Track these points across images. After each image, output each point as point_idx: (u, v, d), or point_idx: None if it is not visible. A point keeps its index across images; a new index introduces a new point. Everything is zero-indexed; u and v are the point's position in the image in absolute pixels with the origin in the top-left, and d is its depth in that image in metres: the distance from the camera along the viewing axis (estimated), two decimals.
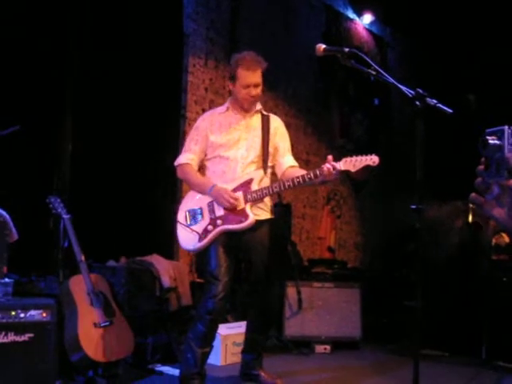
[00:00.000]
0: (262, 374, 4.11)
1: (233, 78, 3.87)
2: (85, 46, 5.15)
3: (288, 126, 4.20)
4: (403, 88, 2.83)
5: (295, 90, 7.58)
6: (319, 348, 5.41)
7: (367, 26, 8.78)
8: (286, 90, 7.37)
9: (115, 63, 5.36)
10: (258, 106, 3.99)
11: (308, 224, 7.83)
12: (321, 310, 5.53)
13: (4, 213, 3.86)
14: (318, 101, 7.98)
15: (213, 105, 6.40)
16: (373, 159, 3.61)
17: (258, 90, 3.87)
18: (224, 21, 6.60)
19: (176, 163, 4.00)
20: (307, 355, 5.27)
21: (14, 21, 4.66)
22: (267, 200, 3.96)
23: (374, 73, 2.98)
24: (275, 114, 4.31)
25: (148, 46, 5.62)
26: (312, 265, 6.42)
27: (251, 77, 3.81)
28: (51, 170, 5.01)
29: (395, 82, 2.89)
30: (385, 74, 2.96)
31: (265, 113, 4.03)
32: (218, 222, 3.77)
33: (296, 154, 4.16)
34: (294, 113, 7.56)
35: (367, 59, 2.99)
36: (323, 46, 3.18)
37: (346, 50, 3.07)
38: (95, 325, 3.89)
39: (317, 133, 7.96)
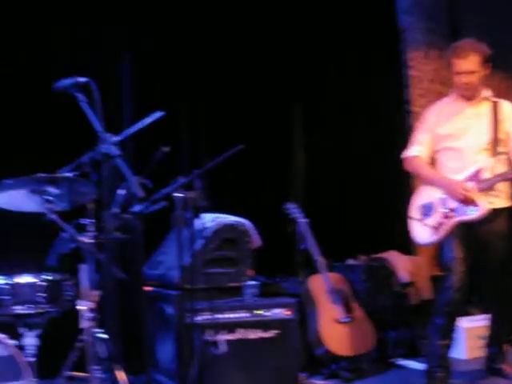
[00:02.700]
0: (506, 367, 3.99)
1: (449, 66, 3.88)
2: (307, 59, 5.46)
3: None
4: None
5: None
6: None
7: None
8: None
9: (335, 69, 5.59)
10: (486, 93, 3.90)
11: None
12: None
13: (246, 222, 4.22)
14: None
15: (441, 96, 6.27)
16: None
17: (472, 78, 3.78)
18: (443, 9, 6.46)
19: (403, 156, 4.08)
20: None
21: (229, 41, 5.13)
22: (503, 187, 3.84)
23: None
24: (508, 95, 4.18)
25: (365, 46, 5.75)
26: None
27: (461, 64, 3.77)
28: (287, 179, 5.36)
29: None
30: None
31: (494, 99, 3.92)
32: (452, 214, 3.77)
33: None
34: None
35: None
36: None
37: None
38: (336, 321, 4.12)
39: None
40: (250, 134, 4.84)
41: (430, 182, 3.94)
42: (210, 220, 4.06)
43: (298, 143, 5.43)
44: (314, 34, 5.51)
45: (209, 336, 3.53)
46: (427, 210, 3.89)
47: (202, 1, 5.05)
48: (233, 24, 5.14)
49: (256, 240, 4.25)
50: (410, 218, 3.99)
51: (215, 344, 3.52)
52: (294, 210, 4.61)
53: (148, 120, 3.20)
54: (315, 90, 5.47)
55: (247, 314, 3.70)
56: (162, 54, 4.83)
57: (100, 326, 2.99)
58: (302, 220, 4.56)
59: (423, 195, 3.97)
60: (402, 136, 5.98)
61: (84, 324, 2.96)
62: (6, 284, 3.00)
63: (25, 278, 3.04)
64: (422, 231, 3.92)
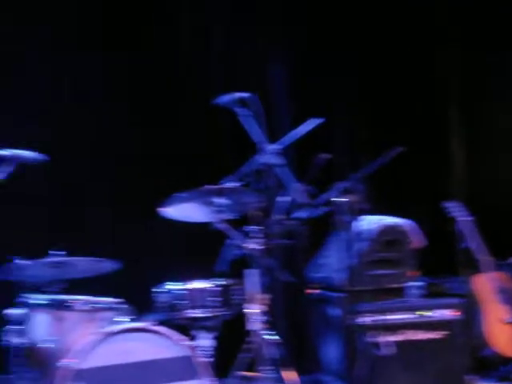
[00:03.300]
0: None
1: None
2: (463, 57, 5.35)
3: None
4: None
5: None
6: None
7: None
8: None
9: (493, 67, 5.43)
10: None
11: None
12: None
13: (408, 222, 4.19)
14: None
15: None
16: None
17: None
18: None
19: None
20: None
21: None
22: None
23: None
24: None
25: None
26: None
27: None
28: (448, 177, 5.29)
29: None
30: None
31: None
32: None
33: None
34: None
35: None
36: None
37: None
38: (504, 321, 3.97)
39: None
40: (408, 132, 4.84)
41: None
42: (371, 222, 4.09)
43: (456, 142, 5.35)
44: (473, 34, 5.38)
45: (376, 337, 3.53)
46: None
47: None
48: (383, 26, 5.13)
49: (420, 240, 4.21)
50: None
51: (382, 345, 3.52)
52: (454, 208, 4.49)
53: (307, 127, 3.28)
54: (473, 88, 5.35)
55: (413, 315, 3.67)
56: (313, 57, 4.91)
57: (271, 329, 3.10)
58: (463, 218, 4.43)
59: None
60: None
61: (252, 326, 3.09)
62: (184, 289, 3.19)
63: (199, 284, 3.21)
64: None
